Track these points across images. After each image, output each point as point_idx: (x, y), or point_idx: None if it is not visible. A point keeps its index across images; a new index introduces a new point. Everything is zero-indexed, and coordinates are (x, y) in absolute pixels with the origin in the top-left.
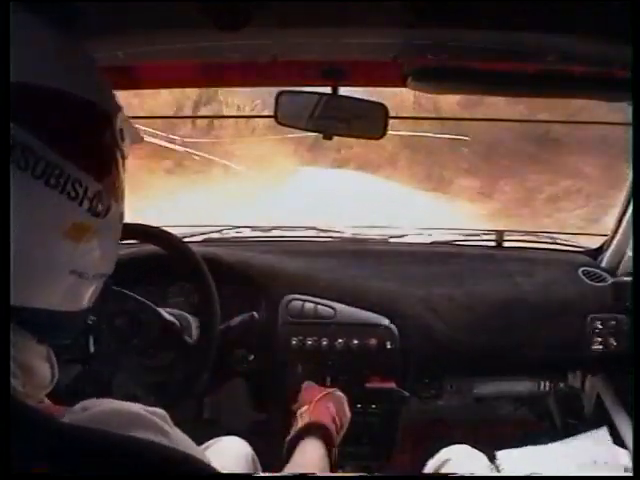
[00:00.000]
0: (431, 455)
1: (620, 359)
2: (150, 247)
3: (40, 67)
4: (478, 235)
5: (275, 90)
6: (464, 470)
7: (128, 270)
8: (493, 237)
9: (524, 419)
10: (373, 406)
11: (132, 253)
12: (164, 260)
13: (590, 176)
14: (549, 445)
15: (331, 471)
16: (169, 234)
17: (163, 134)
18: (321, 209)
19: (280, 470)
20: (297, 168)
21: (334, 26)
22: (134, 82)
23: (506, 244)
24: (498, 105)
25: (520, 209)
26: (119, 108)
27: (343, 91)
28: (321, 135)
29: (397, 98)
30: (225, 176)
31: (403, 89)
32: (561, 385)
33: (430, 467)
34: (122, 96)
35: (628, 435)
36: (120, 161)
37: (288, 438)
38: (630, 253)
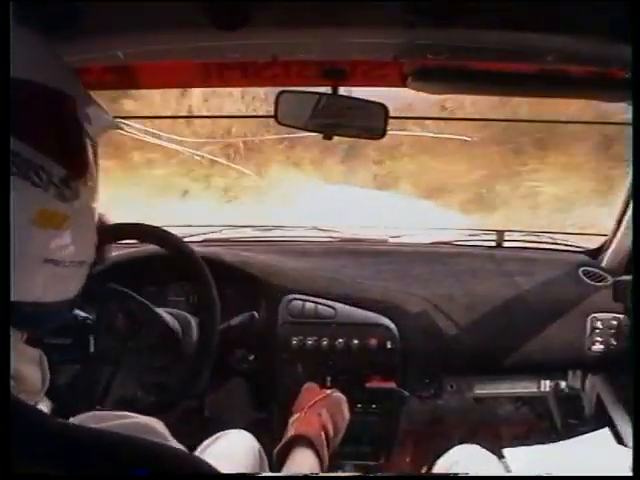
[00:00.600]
0: (432, 454)
1: (620, 359)
2: (150, 247)
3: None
4: (478, 235)
5: (275, 90)
6: (473, 471)
7: (128, 270)
8: (493, 237)
9: (524, 419)
10: (373, 406)
11: (132, 253)
12: (164, 260)
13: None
14: (557, 444)
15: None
16: (169, 234)
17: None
18: None
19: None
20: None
21: (334, 26)
22: (134, 82)
23: (506, 244)
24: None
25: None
26: (85, 94)
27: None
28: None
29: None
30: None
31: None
32: (561, 385)
33: (440, 466)
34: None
35: (628, 435)
36: (88, 145)
37: (276, 450)
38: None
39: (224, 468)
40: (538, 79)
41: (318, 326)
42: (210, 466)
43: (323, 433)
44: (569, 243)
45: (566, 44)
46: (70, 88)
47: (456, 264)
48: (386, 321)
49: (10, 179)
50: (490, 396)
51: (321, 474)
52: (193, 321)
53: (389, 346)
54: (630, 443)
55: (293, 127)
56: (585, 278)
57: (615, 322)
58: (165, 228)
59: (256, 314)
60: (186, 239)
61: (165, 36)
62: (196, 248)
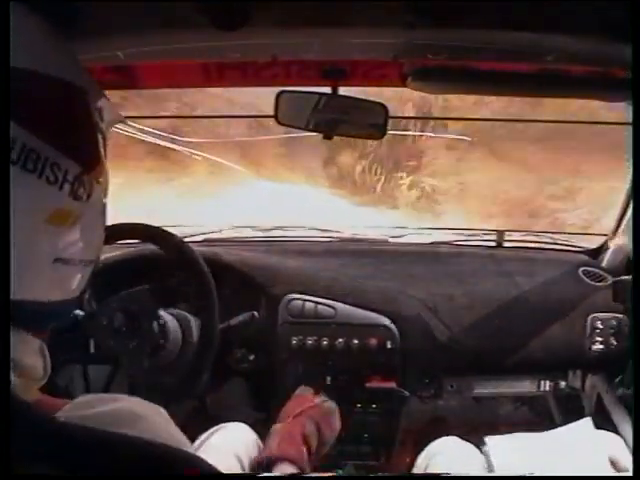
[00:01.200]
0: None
1: (620, 359)
2: (150, 247)
3: (11, 49)
4: (478, 235)
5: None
6: (454, 462)
7: (128, 270)
8: (493, 237)
9: (524, 419)
10: (373, 406)
11: (132, 253)
12: (164, 260)
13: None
14: (537, 434)
15: None
16: (170, 234)
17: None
18: None
19: None
20: None
21: (334, 26)
22: (134, 82)
23: (506, 244)
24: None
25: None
26: (96, 87)
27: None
28: None
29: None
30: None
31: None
32: (561, 385)
33: (422, 460)
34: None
35: (628, 435)
36: (101, 142)
37: (257, 462)
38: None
39: (222, 459)
40: (538, 79)
41: (318, 326)
42: (210, 465)
43: (304, 448)
44: (569, 243)
45: (566, 44)
46: (83, 82)
47: (456, 264)
48: (386, 321)
49: (10, 174)
50: (490, 396)
51: (321, 474)
52: (193, 321)
53: (389, 346)
54: (630, 443)
55: (293, 127)
56: (585, 278)
57: (615, 322)
58: (165, 228)
59: (256, 314)
60: (186, 239)
61: (165, 36)
62: (196, 248)
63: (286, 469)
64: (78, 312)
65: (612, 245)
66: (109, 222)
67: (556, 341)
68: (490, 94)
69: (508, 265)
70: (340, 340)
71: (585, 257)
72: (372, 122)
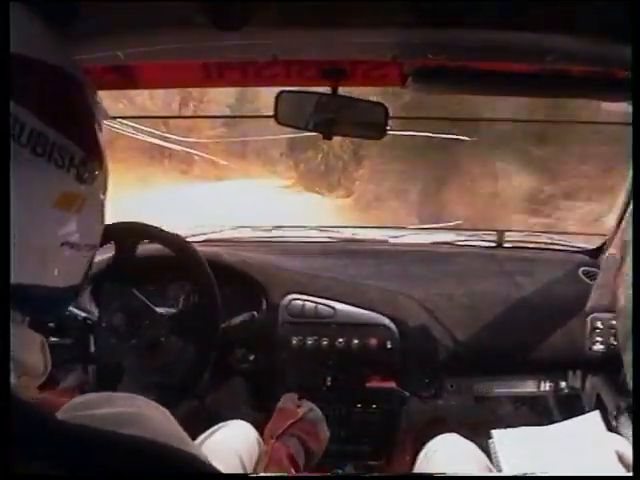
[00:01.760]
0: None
1: (620, 359)
2: (150, 247)
3: (21, 37)
4: (478, 235)
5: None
6: (454, 458)
7: (128, 270)
8: (493, 237)
9: (524, 419)
10: (373, 406)
11: (132, 253)
12: (164, 260)
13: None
14: (545, 427)
15: None
16: (172, 234)
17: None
18: None
19: None
20: None
21: (334, 26)
22: (134, 82)
23: (506, 244)
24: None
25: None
26: (91, 83)
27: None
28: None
29: None
30: None
31: None
32: (561, 385)
33: (421, 459)
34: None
35: (628, 435)
36: (97, 128)
37: None
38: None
39: (224, 457)
40: (538, 79)
41: (318, 326)
42: (211, 465)
43: (292, 469)
44: (569, 243)
45: (566, 44)
46: (82, 76)
47: (456, 264)
48: (386, 321)
49: (20, 157)
50: (490, 396)
51: (321, 474)
52: (193, 321)
53: (389, 346)
54: (628, 442)
55: (293, 127)
56: (585, 278)
57: (615, 322)
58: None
59: (256, 314)
60: (186, 239)
61: (165, 36)
62: (196, 248)
63: None
64: (78, 312)
65: (612, 245)
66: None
67: (556, 341)
68: (490, 94)
69: (508, 265)
70: (340, 340)
71: (585, 257)
72: (372, 122)
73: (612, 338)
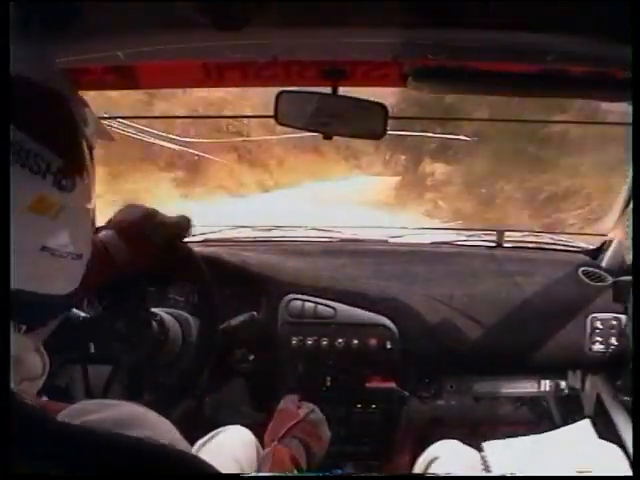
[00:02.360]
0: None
1: (620, 359)
2: None
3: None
4: (478, 235)
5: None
6: (453, 466)
7: (128, 270)
8: (493, 237)
9: (524, 419)
10: (373, 406)
11: None
12: (164, 260)
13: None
14: (536, 436)
15: None
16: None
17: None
18: None
19: None
20: None
21: (334, 26)
22: (134, 82)
23: (506, 244)
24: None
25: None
26: (78, 96)
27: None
28: None
29: None
30: None
31: None
32: (561, 385)
33: (420, 464)
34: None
35: (628, 435)
36: (83, 142)
37: None
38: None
39: (223, 462)
40: (538, 79)
41: (318, 326)
42: (210, 466)
43: (295, 470)
44: (569, 243)
45: (566, 44)
46: (66, 90)
47: (456, 264)
48: (386, 321)
49: (10, 168)
50: (490, 396)
51: (321, 474)
52: (193, 321)
53: (389, 346)
54: (629, 443)
55: (293, 127)
56: (585, 278)
57: (615, 322)
58: None
59: (256, 314)
60: (186, 239)
61: (165, 36)
62: (196, 248)
63: None
64: (78, 312)
65: (612, 245)
66: None
67: (556, 341)
68: (490, 94)
69: (508, 265)
70: (340, 340)
71: (585, 257)
72: (372, 122)
73: (612, 338)
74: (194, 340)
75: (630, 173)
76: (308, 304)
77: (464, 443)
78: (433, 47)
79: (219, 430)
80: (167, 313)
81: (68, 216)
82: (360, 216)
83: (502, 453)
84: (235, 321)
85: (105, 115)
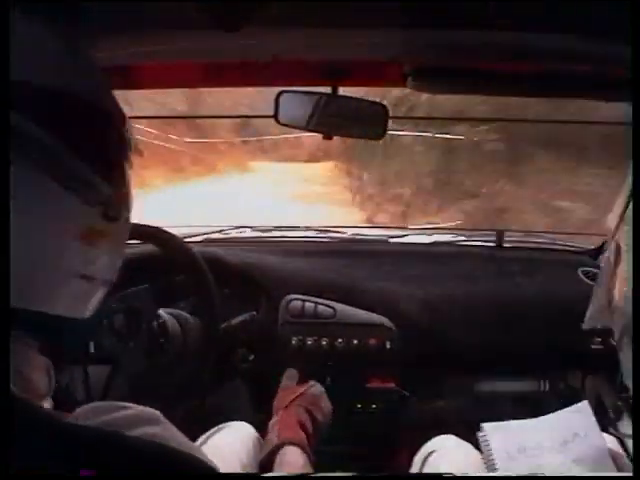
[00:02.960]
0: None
1: (620, 359)
2: (150, 247)
3: (57, 71)
4: (478, 235)
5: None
6: (450, 459)
7: (128, 270)
8: (493, 237)
9: (524, 419)
10: (373, 406)
11: (132, 253)
12: (164, 260)
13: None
14: (534, 419)
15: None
16: (169, 234)
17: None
18: None
19: None
20: None
21: (334, 26)
22: (134, 82)
23: (506, 244)
24: None
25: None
26: (125, 117)
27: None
28: None
29: None
30: None
31: None
32: (561, 385)
33: (417, 460)
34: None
35: (628, 435)
36: (128, 169)
37: (261, 459)
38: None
39: (225, 458)
40: (538, 79)
41: (318, 326)
42: (210, 466)
43: (302, 432)
44: (569, 243)
45: (566, 44)
46: (118, 111)
47: (456, 264)
48: (386, 321)
49: (50, 189)
50: (490, 396)
51: (321, 474)
52: (193, 321)
53: (389, 346)
54: (629, 443)
55: (293, 127)
56: (585, 278)
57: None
58: (165, 228)
59: (256, 314)
60: (186, 239)
61: (165, 36)
62: (196, 248)
63: (292, 452)
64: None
65: (612, 245)
66: None
67: (556, 341)
68: (490, 94)
69: (508, 265)
70: (340, 340)
71: (585, 257)
72: (372, 122)
73: (612, 338)
74: (194, 340)
75: (630, 173)
76: (308, 304)
77: (462, 438)
78: (433, 47)
79: (221, 426)
80: (167, 313)
81: (110, 245)
82: None
83: (501, 433)
84: (235, 321)
85: None
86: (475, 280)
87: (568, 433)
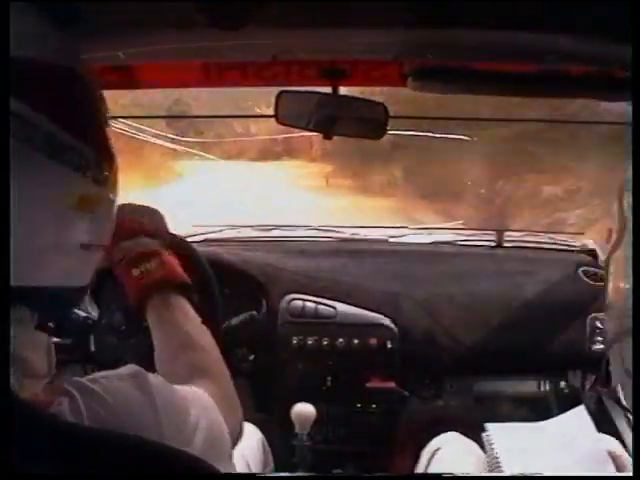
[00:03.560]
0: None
1: (609, 357)
2: None
3: (32, 40)
4: (478, 235)
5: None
6: (455, 456)
7: None
8: (493, 237)
9: (524, 419)
10: (373, 406)
11: None
12: None
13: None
14: (538, 423)
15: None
16: (170, 234)
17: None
18: None
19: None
20: None
21: (334, 26)
22: (134, 82)
23: (506, 244)
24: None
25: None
26: (96, 82)
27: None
28: None
29: None
30: None
31: None
32: (561, 385)
33: (423, 458)
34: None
35: (628, 435)
36: (109, 132)
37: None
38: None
39: None
40: (538, 79)
41: (318, 326)
42: (210, 466)
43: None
44: (569, 243)
45: (566, 44)
46: (89, 75)
47: (456, 264)
48: (386, 321)
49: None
50: (490, 396)
51: (320, 474)
52: None
53: (389, 346)
54: (630, 443)
55: (293, 127)
56: (585, 278)
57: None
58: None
59: (256, 314)
60: (186, 239)
61: (165, 36)
62: (196, 248)
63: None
64: (78, 312)
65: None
66: None
67: (556, 341)
68: (490, 94)
69: (508, 265)
70: (340, 340)
71: (585, 257)
72: (372, 122)
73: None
74: None
75: (630, 173)
76: (308, 304)
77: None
78: (433, 47)
79: None
80: None
81: (102, 209)
82: None
83: (504, 434)
84: (236, 321)
85: None
86: (475, 280)
87: (568, 436)
